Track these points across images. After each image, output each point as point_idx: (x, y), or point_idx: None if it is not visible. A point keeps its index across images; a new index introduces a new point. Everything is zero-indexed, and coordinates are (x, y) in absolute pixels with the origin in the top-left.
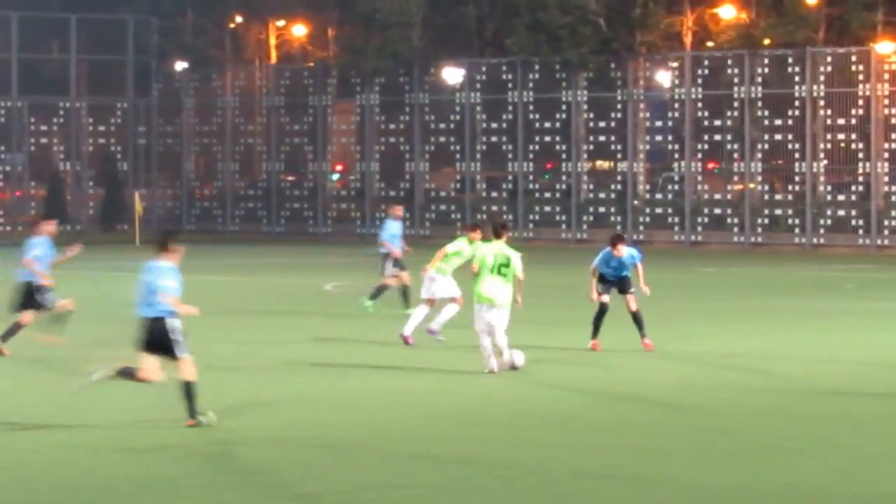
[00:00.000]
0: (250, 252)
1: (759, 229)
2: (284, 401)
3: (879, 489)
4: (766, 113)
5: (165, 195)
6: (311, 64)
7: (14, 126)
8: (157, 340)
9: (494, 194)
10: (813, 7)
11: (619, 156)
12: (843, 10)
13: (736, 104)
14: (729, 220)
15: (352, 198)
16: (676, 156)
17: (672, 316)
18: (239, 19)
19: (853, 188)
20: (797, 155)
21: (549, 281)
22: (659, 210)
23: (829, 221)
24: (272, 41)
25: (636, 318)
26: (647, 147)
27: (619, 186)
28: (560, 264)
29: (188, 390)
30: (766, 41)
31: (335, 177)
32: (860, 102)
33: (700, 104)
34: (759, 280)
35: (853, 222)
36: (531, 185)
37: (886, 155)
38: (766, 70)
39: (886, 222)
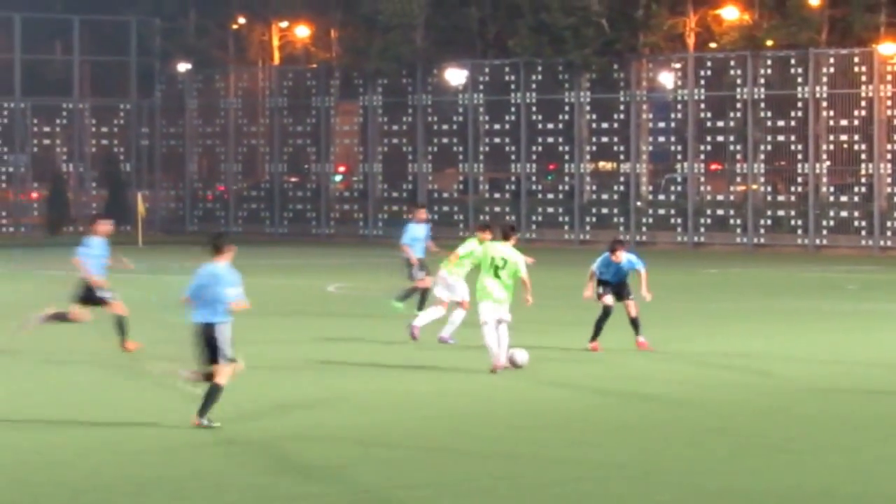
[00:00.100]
0: (253, 253)
1: (762, 230)
2: (290, 400)
3: (882, 490)
4: (769, 114)
5: (168, 196)
6: (314, 65)
7: (17, 127)
8: (209, 344)
9: (497, 195)
10: (816, 8)
11: (622, 157)
12: (846, 11)
13: (739, 105)
14: (732, 222)
15: (355, 199)
16: (679, 157)
17: (675, 317)
18: (242, 20)
19: (856, 189)
20: (800, 156)
21: (551, 282)
22: (662, 211)
23: (831, 223)
24: (275, 42)
25: (634, 323)
26: (650, 148)
27: (622, 188)
28: (563, 265)
29: (213, 392)
30: (769, 42)
31: (338, 178)
32: (863, 104)
33: (703, 105)
34: (762, 281)
35: (856, 223)
36: (534, 187)
37: (889, 156)
38: (769, 71)
39: (889, 223)
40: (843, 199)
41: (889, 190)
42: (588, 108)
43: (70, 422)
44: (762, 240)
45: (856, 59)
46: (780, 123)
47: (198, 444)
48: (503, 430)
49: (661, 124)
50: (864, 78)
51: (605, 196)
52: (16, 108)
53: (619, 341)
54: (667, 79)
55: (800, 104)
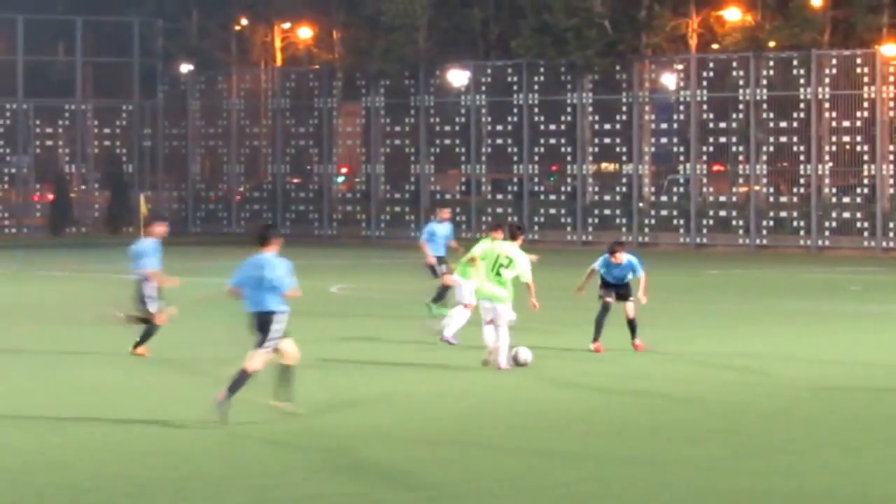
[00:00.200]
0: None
1: (765, 231)
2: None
3: (885, 492)
4: (772, 115)
5: (171, 197)
6: (317, 66)
7: (20, 128)
8: (262, 329)
9: (500, 196)
10: (818, 9)
11: (624, 158)
12: (849, 12)
13: (741, 106)
14: (734, 223)
15: (357, 200)
16: (682, 158)
17: (677, 318)
18: (244, 22)
19: (858, 190)
20: (802, 157)
21: (553, 283)
22: (664, 212)
23: (834, 224)
24: (277, 43)
25: (631, 325)
26: (653, 149)
27: (624, 189)
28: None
29: (242, 376)
30: (772, 43)
31: (340, 179)
32: (865, 105)
33: (705, 106)
34: (764, 282)
35: (858, 224)
36: (536, 188)
37: (892, 157)
38: (772, 72)
39: (892, 224)
40: (846, 200)
41: (891, 191)
42: (590, 109)
43: (72, 422)
44: (764, 241)
45: (858, 60)
46: (783, 124)
47: (200, 444)
48: (503, 431)
49: (664, 125)
50: (866, 79)
51: (607, 197)
52: (18, 109)
53: (619, 342)
54: (669, 80)
55: (802, 105)
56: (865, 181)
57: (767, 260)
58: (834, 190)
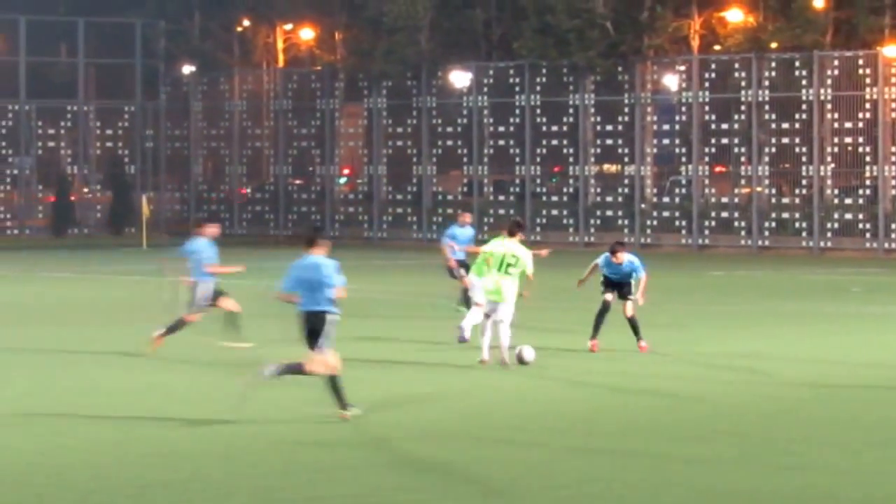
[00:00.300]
0: (257, 255)
1: (767, 233)
2: (293, 401)
3: (887, 493)
4: (774, 116)
5: (173, 198)
6: (319, 67)
7: (22, 130)
8: (314, 332)
9: (502, 198)
10: (820, 10)
11: (626, 159)
12: (851, 13)
13: (743, 107)
14: (736, 224)
15: (359, 201)
16: (684, 159)
17: (680, 319)
18: (246, 23)
19: (860, 192)
20: (804, 158)
21: (556, 284)
22: (666, 213)
23: (836, 225)
24: (280, 45)
25: (632, 324)
26: (655, 150)
27: (626, 190)
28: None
29: (333, 383)
30: (774, 45)
31: (342, 180)
32: (867, 106)
33: (707, 107)
34: (767, 283)
35: (860, 226)
36: (538, 189)
37: (894, 158)
38: (774, 73)
39: (894, 226)
40: (848, 201)
41: (894, 192)
42: (592, 110)
43: (73, 423)
44: (767, 242)
45: (860, 62)
46: (785, 126)
47: (202, 446)
48: (505, 431)
49: (666, 126)
50: (868, 80)
51: (609, 198)
52: (21, 110)
53: (622, 342)
54: (671, 81)
55: (804, 106)
56: (867, 182)
57: (769, 261)
58: (836, 191)
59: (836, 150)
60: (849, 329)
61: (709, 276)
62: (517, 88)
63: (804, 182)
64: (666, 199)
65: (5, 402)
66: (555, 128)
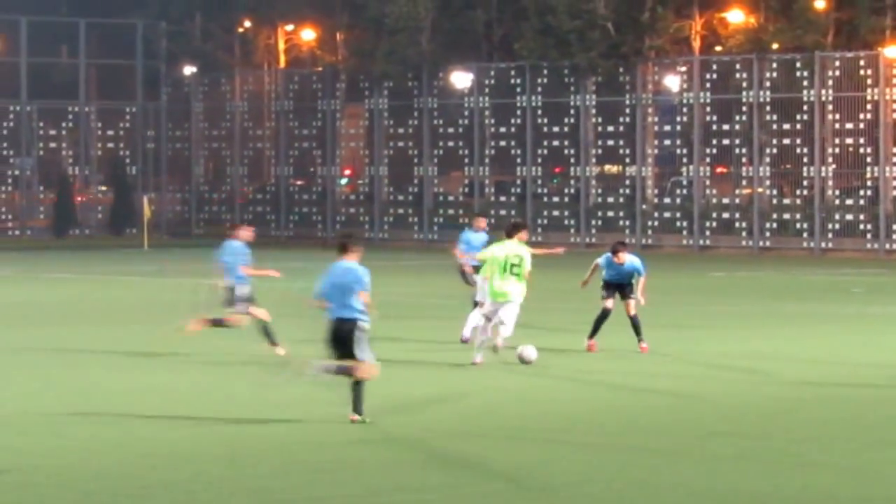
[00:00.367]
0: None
1: (768, 233)
2: (293, 401)
3: (889, 494)
4: (775, 117)
5: (174, 199)
6: (320, 68)
7: (23, 130)
8: (343, 340)
9: (503, 198)
10: (822, 11)
11: (627, 160)
12: (852, 14)
13: (744, 108)
14: (737, 225)
15: (360, 202)
16: (685, 160)
17: (681, 319)
18: (248, 24)
19: (862, 192)
20: (805, 159)
21: (557, 285)
22: (667, 214)
23: (837, 226)
24: (281, 45)
25: (634, 323)
26: (656, 151)
27: (627, 191)
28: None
29: (358, 389)
30: (775, 45)
31: (344, 181)
32: (869, 107)
33: (708, 108)
34: (768, 284)
35: (861, 226)
36: (540, 190)
37: (895, 159)
38: (775, 74)
39: (895, 226)
40: (849, 202)
41: (895, 193)
42: (593, 111)
43: (74, 423)
44: (768, 243)
45: (861, 62)
46: (786, 126)
47: (203, 446)
48: (506, 432)
49: (667, 127)
50: (869, 81)
51: (610, 199)
52: (22, 111)
53: (623, 342)
54: (672, 82)
55: (805, 107)
56: (869, 183)
57: (770, 262)
58: (837, 192)
59: (837, 150)
60: (849, 330)
61: (710, 276)
62: (518, 89)
63: (805, 183)
64: (667, 200)
65: (6, 402)
66: (556, 129)
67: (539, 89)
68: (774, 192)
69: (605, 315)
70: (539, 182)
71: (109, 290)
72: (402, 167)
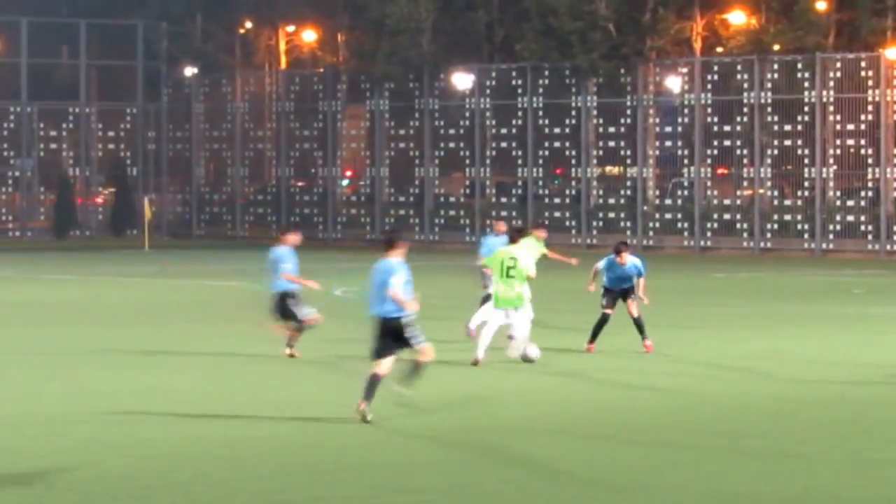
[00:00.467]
0: (259, 257)
1: (769, 234)
2: (294, 402)
3: (889, 494)
4: (776, 118)
5: (175, 200)
6: (321, 69)
7: (24, 131)
8: (395, 334)
9: (504, 200)
10: (823, 13)
11: (628, 161)
12: (853, 15)
13: (746, 109)
14: (738, 226)
15: (361, 203)
16: (686, 161)
17: (682, 320)
18: (249, 25)
19: (863, 193)
20: (807, 160)
21: (559, 286)
22: (669, 215)
23: (838, 227)
24: (282, 46)
25: (637, 324)
26: (657, 152)
27: (628, 192)
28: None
29: (417, 368)
30: (776, 47)
31: (345, 182)
32: (870, 108)
33: (710, 109)
34: (769, 285)
35: (863, 227)
36: (541, 191)
37: None
38: (776, 75)
39: None
40: (850, 203)
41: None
42: (595, 112)
43: (75, 424)
44: (769, 244)
45: (863, 64)
46: (787, 128)
47: (204, 447)
48: (506, 431)
49: (668, 128)
50: (870, 82)
51: (611, 200)
52: (23, 112)
53: (624, 343)
54: (674, 83)
55: (806, 108)
56: (870, 184)
57: (772, 263)
58: (838, 193)
59: (838, 151)
60: (850, 330)
61: (711, 277)
62: (519, 90)
63: (806, 184)
64: (668, 201)
65: (6, 402)
66: (557, 130)
67: (540, 90)
68: (775, 193)
69: (604, 321)
70: (540, 183)
71: (110, 291)
72: (403, 168)
